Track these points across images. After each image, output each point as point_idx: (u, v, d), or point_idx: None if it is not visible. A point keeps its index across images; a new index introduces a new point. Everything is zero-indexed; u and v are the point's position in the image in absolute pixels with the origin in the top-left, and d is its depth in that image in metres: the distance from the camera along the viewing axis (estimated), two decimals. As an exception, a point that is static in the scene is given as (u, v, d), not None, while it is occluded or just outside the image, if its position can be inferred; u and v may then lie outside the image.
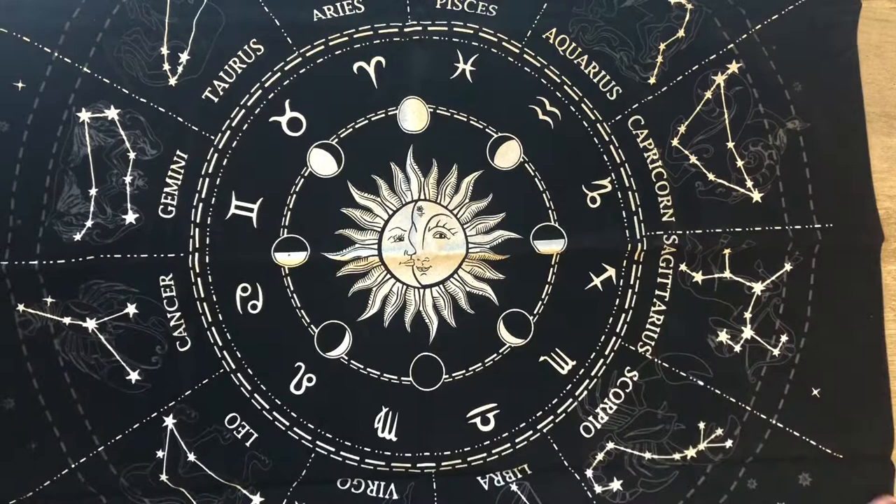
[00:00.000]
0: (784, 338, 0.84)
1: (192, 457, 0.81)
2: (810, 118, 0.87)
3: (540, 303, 0.84)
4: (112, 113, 0.84)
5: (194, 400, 0.81)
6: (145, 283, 0.82)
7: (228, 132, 0.85)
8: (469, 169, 0.86)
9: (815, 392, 0.84)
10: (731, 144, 0.87)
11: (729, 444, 0.83)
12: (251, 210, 0.84)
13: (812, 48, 0.89)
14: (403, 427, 0.83)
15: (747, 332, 0.84)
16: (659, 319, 0.84)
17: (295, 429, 0.82)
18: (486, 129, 0.86)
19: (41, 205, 0.82)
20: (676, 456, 0.83)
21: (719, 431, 0.83)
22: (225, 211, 0.84)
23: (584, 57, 0.88)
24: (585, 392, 0.84)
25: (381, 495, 0.82)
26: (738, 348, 0.84)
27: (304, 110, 0.86)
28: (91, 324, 0.81)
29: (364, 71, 0.87)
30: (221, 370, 0.82)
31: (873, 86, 0.90)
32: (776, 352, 0.84)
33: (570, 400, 0.84)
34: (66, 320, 0.81)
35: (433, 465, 0.82)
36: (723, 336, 0.84)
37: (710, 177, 0.86)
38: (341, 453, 0.82)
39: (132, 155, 0.84)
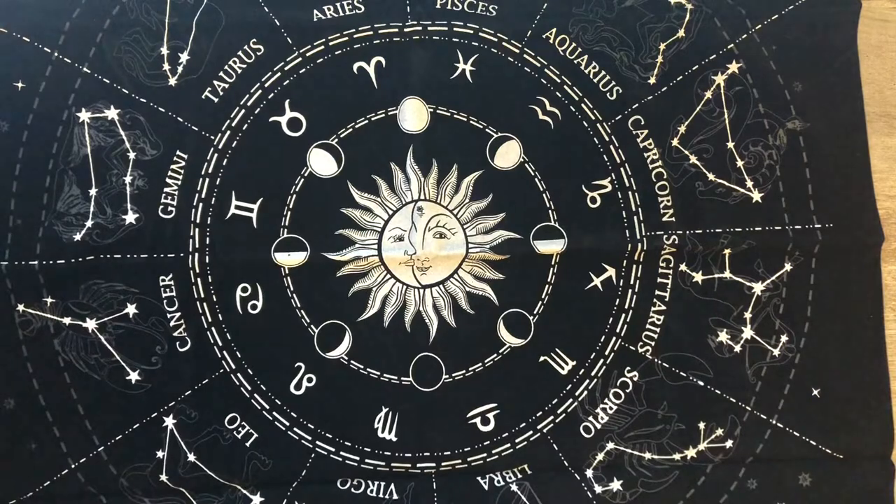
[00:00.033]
0: (784, 338, 0.84)
1: (192, 457, 0.81)
2: (810, 118, 0.87)
3: (540, 303, 0.84)
4: (112, 113, 0.84)
5: (194, 400, 0.81)
6: (145, 283, 0.82)
7: (228, 132, 0.85)
8: (469, 169, 0.86)
9: (815, 392, 0.84)
10: (731, 144, 0.87)
11: (729, 444, 0.83)
12: (251, 210, 0.84)
13: (812, 48, 0.89)
14: (403, 427, 0.83)
15: (747, 332, 0.84)
16: (659, 319, 0.84)
17: (295, 429, 0.82)
18: (486, 129, 0.86)
19: (41, 205, 0.82)
20: (676, 456, 0.83)
21: (719, 431, 0.83)
22: (225, 211, 0.84)
23: (584, 57, 0.88)
24: (585, 392, 0.84)
25: (381, 495, 0.82)
26: (738, 348, 0.84)
27: (304, 110, 0.86)
28: (91, 324, 0.81)
29: (364, 71, 0.87)
30: (221, 370, 0.82)
31: (873, 86, 0.90)
32: (776, 352, 0.84)
33: (570, 400, 0.84)
34: (66, 320, 0.81)
35: (433, 465, 0.82)
36: (723, 336, 0.84)
37: (710, 177, 0.86)
38: (341, 453, 0.82)
39: (132, 155, 0.84)
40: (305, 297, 0.83)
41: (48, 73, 0.84)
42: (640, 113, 0.87)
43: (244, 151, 0.85)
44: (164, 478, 0.80)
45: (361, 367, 0.83)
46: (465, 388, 0.83)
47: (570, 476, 0.83)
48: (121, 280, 0.82)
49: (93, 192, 0.83)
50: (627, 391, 0.84)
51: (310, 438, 0.82)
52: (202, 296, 0.82)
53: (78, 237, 0.82)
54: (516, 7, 0.88)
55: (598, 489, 0.82)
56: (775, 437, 0.83)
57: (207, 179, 0.84)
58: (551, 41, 0.88)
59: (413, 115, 0.86)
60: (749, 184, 0.86)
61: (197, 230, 0.83)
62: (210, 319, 0.82)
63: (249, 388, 0.82)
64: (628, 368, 0.84)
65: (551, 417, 0.83)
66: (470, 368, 0.84)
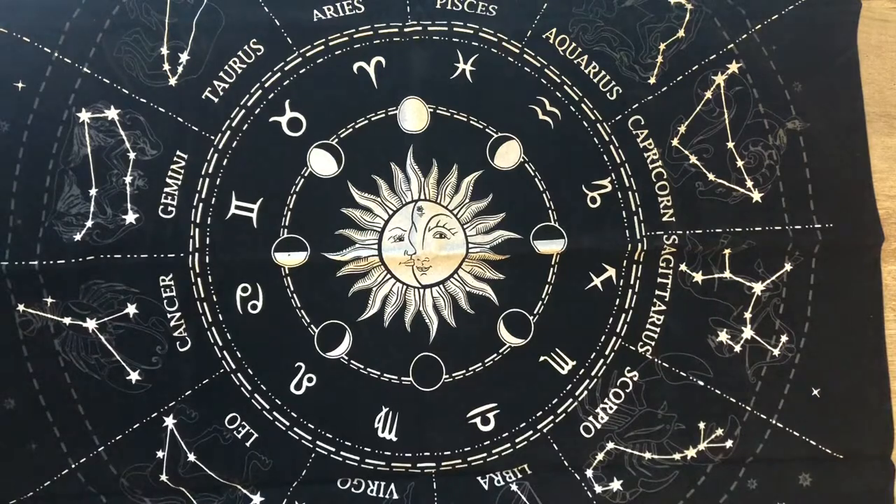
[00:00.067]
0: (784, 338, 0.84)
1: (192, 457, 0.81)
2: (810, 118, 0.87)
3: (540, 303, 0.84)
4: (112, 113, 0.84)
5: (194, 400, 0.81)
6: (145, 283, 0.82)
7: (228, 132, 0.85)
8: (469, 169, 0.86)
9: (815, 392, 0.84)
10: (731, 144, 0.87)
11: (729, 444, 0.83)
12: (251, 210, 0.84)
13: (812, 48, 0.89)
14: (403, 427, 0.83)
15: (747, 332, 0.84)
16: (659, 319, 0.84)
17: (295, 429, 0.82)
18: (486, 129, 0.86)
19: (41, 205, 0.82)
20: (676, 456, 0.83)
21: (719, 431, 0.83)
22: (225, 211, 0.84)
23: (584, 57, 0.88)
24: (585, 392, 0.84)
25: (381, 495, 0.82)
26: (738, 348, 0.84)
27: (304, 110, 0.86)
28: (91, 324, 0.81)
29: (364, 71, 0.87)
30: (221, 370, 0.82)
31: (873, 86, 0.90)
32: (776, 352, 0.84)
33: (571, 400, 0.84)
34: (67, 320, 0.81)
35: (433, 465, 0.82)
36: (723, 336, 0.84)
37: (710, 177, 0.86)
38: (341, 453, 0.82)
39: (132, 155, 0.84)
40: (305, 297, 0.83)
41: (48, 73, 0.84)
42: (640, 113, 0.87)
43: (244, 151, 0.85)
44: (164, 478, 0.80)
45: (361, 367, 0.83)
46: (465, 388, 0.83)
47: (570, 476, 0.83)
48: (121, 280, 0.82)
49: (93, 192, 0.83)
50: (627, 391, 0.84)
51: (310, 438, 0.82)
52: (202, 296, 0.82)
53: (78, 237, 0.82)
54: (516, 7, 0.88)
55: (598, 489, 0.82)
56: (775, 437, 0.83)
57: (207, 179, 0.84)
58: (551, 41, 0.88)
59: (413, 115, 0.86)
60: (749, 184, 0.86)
61: (197, 230, 0.83)
62: (210, 319, 0.82)
63: (249, 388, 0.82)
64: (628, 368, 0.84)
65: (551, 417, 0.83)
66: (470, 368, 0.84)
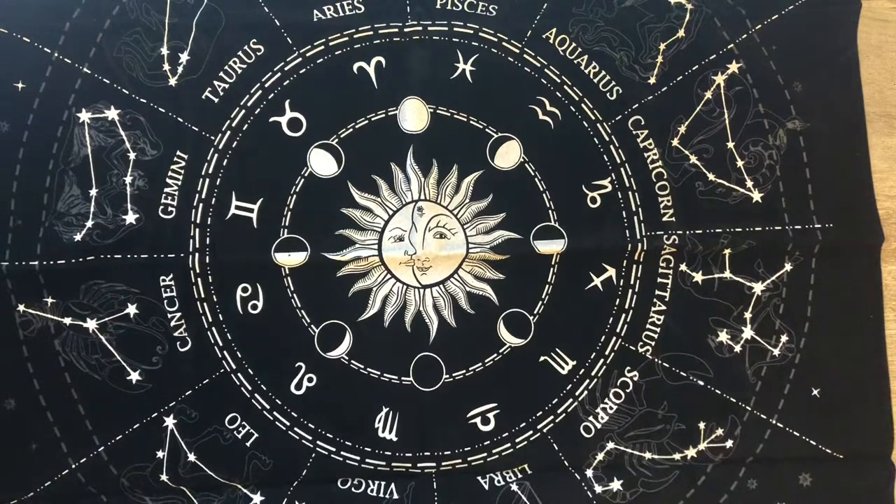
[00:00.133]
0: (784, 338, 0.84)
1: (192, 457, 0.81)
2: (810, 118, 0.87)
3: (540, 303, 0.84)
4: (112, 113, 0.84)
5: (195, 400, 0.81)
6: (146, 283, 0.82)
7: (228, 132, 0.85)
8: (469, 169, 0.86)
9: (815, 392, 0.84)
10: (731, 144, 0.87)
11: (729, 444, 0.83)
12: (251, 210, 0.84)
13: (812, 48, 0.89)
14: (404, 427, 0.83)
15: (747, 332, 0.84)
16: (659, 319, 0.84)
17: (295, 429, 0.82)
18: (486, 129, 0.86)
19: (41, 205, 0.82)
20: (676, 456, 0.83)
21: (719, 431, 0.83)
22: (225, 211, 0.84)
23: (584, 57, 0.88)
24: (586, 392, 0.84)
25: (381, 495, 0.82)
26: (738, 348, 0.84)
27: (304, 110, 0.86)
28: (91, 324, 0.81)
29: (364, 71, 0.87)
30: (222, 370, 0.82)
31: (873, 86, 0.90)
32: (776, 352, 0.84)
33: (571, 400, 0.84)
34: (67, 320, 0.81)
35: (433, 464, 0.82)
36: (723, 336, 0.84)
37: (710, 177, 0.86)
38: (342, 453, 0.82)
39: (132, 155, 0.84)
40: (306, 297, 0.83)
41: (48, 73, 0.84)
42: (640, 113, 0.87)
43: (244, 152, 0.85)
44: (164, 478, 0.80)
45: (362, 367, 0.83)
46: (465, 387, 0.83)
47: (570, 476, 0.83)
48: (121, 280, 0.82)
49: (93, 192, 0.83)
50: (627, 391, 0.84)
51: (310, 438, 0.82)
52: (202, 296, 0.82)
53: (78, 237, 0.82)
54: (516, 7, 0.88)
55: (599, 489, 0.83)
56: (775, 437, 0.83)
57: (208, 180, 0.84)
58: (551, 41, 0.88)
59: (413, 115, 0.86)
60: (749, 184, 0.86)
61: (197, 230, 0.83)
62: (210, 319, 0.82)
63: (250, 387, 0.82)
64: (628, 368, 0.84)
65: (551, 417, 0.83)
66: (470, 368, 0.84)
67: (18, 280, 0.81)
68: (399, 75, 0.87)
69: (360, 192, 0.85)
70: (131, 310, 0.81)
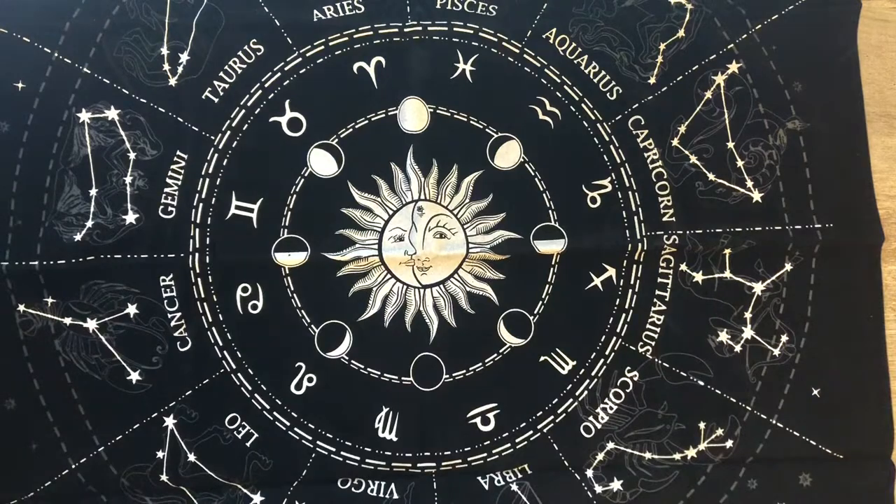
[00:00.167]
0: (784, 338, 0.84)
1: (192, 457, 0.81)
2: (810, 118, 0.87)
3: (540, 303, 0.84)
4: (112, 113, 0.84)
5: (195, 400, 0.81)
6: (146, 283, 0.82)
7: (228, 132, 0.85)
8: (469, 169, 0.86)
9: (815, 392, 0.84)
10: (731, 144, 0.87)
11: (729, 444, 0.83)
12: (251, 210, 0.84)
13: (812, 48, 0.89)
14: (404, 427, 0.83)
15: (747, 332, 0.84)
16: (659, 319, 0.84)
17: (295, 429, 0.82)
18: (486, 129, 0.86)
19: (41, 205, 0.82)
20: (677, 456, 0.83)
21: (719, 431, 0.83)
22: (225, 211, 0.84)
23: (584, 57, 0.88)
24: (586, 392, 0.84)
25: (381, 495, 0.82)
26: (738, 348, 0.84)
27: (304, 110, 0.86)
28: (92, 324, 0.81)
29: (364, 71, 0.87)
30: (222, 370, 0.82)
31: (873, 86, 0.90)
32: (776, 352, 0.84)
33: (571, 400, 0.84)
34: (67, 320, 0.81)
35: (433, 464, 0.82)
36: (723, 336, 0.84)
37: (710, 177, 0.86)
38: (342, 453, 0.82)
39: (132, 155, 0.84)
40: (306, 297, 0.83)
41: (48, 73, 0.84)
42: (640, 113, 0.87)
43: (244, 151, 0.85)
44: (164, 478, 0.80)
45: (362, 367, 0.83)
46: (465, 387, 0.83)
47: (570, 476, 0.83)
48: (121, 280, 0.82)
49: (93, 192, 0.83)
50: (628, 391, 0.84)
51: (310, 438, 0.82)
52: (202, 296, 0.82)
53: (78, 237, 0.82)
54: (516, 7, 0.88)
55: (599, 489, 0.83)
56: (775, 437, 0.83)
57: (208, 179, 0.84)
58: (551, 41, 0.88)
59: (413, 115, 0.86)
60: (749, 184, 0.86)
61: (197, 230, 0.83)
62: (210, 319, 0.82)
63: (250, 388, 0.82)
64: (628, 368, 0.84)
65: (551, 417, 0.83)
66: (470, 368, 0.84)
67: (18, 280, 0.81)
68: (399, 75, 0.87)
69: (360, 192, 0.85)
70: (131, 310, 0.81)
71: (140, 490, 0.80)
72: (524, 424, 0.83)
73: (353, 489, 0.82)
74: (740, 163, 0.86)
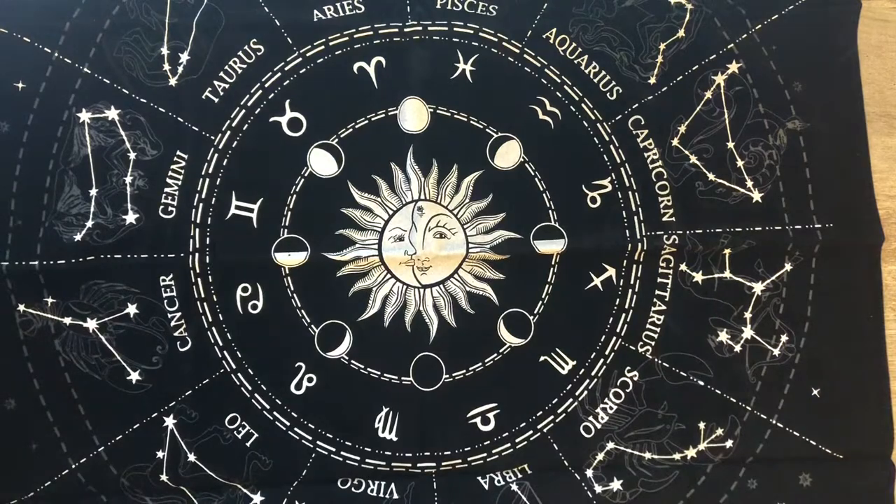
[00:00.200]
0: (784, 338, 0.84)
1: (192, 457, 0.81)
2: (810, 118, 0.87)
3: (540, 303, 0.84)
4: (112, 113, 0.84)
5: (195, 400, 0.81)
6: (146, 283, 0.82)
7: (228, 132, 0.85)
8: (469, 169, 0.86)
9: (815, 392, 0.84)
10: (731, 144, 0.87)
11: (729, 444, 0.83)
12: (251, 210, 0.84)
13: (812, 48, 0.89)
14: (404, 427, 0.83)
15: (747, 332, 0.84)
16: (659, 319, 0.84)
17: (295, 429, 0.82)
18: (486, 129, 0.86)
19: (41, 205, 0.82)
20: (676, 456, 0.83)
21: (719, 431, 0.83)
22: (225, 211, 0.84)
23: (584, 57, 0.88)
24: (586, 392, 0.84)
25: (381, 495, 0.82)
26: (738, 348, 0.84)
27: (305, 110, 0.86)
28: (92, 324, 0.81)
29: (364, 71, 0.87)
30: (222, 370, 0.82)
31: (873, 86, 0.90)
32: (776, 352, 0.84)
33: (571, 400, 0.84)
34: (67, 320, 0.81)
35: (433, 464, 0.82)
36: (723, 336, 0.84)
37: (710, 177, 0.86)
38: (342, 453, 0.82)
39: (132, 155, 0.84)
40: (306, 297, 0.83)
41: (48, 73, 0.84)
42: (640, 113, 0.87)
43: (244, 151, 0.85)
44: (164, 478, 0.80)
45: (362, 366, 0.83)
46: (465, 387, 0.83)
47: (570, 476, 0.83)
48: (121, 280, 0.82)
49: (93, 192, 0.83)
50: (627, 391, 0.84)
51: (310, 438, 0.82)
52: (202, 296, 0.82)
53: (78, 237, 0.82)
54: (516, 7, 0.88)
55: (598, 489, 0.83)
56: (775, 437, 0.83)
57: (208, 179, 0.84)
58: (551, 41, 0.88)
59: (413, 115, 0.86)
60: (749, 184, 0.86)
61: (197, 230, 0.83)
62: (210, 319, 0.82)
63: (250, 388, 0.82)
64: (628, 368, 0.84)
65: (551, 417, 0.83)
66: (470, 368, 0.84)
67: (18, 280, 0.81)
68: (399, 75, 0.87)
69: (360, 191, 0.85)
70: (131, 310, 0.82)
71: (140, 490, 0.80)
72: (524, 424, 0.83)
73: (353, 489, 0.82)
74: (740, 163, 0.86)
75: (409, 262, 0.84)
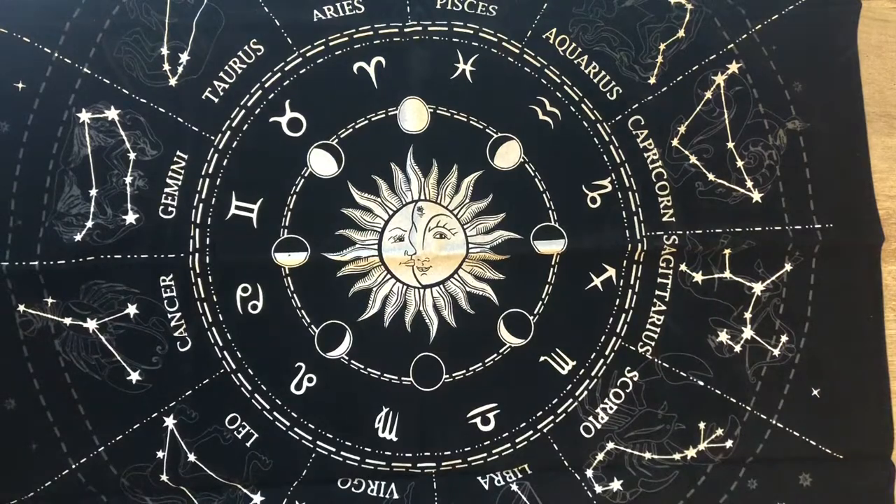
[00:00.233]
0: (784, 338, 0.84)
1: (192, 457, 0.81)
2: (810, 118, 0.87)
3: (540, 303, 0.84)
4: (112, 113, 0.84)
5: (195, 400, 0.81)
6: (146, 283, 0.82)
7: (228, 132, 0.85)
8: (469, 169, 0.86)
9: (815, 392, 0.84)
10: (731, 144, 0.87)
11: (729, 444, 0.83)
12: (251, 210, 0.84)
13: (812, 48, 0.89)
14: (404, 427, 0.83)
15: (747, 332, 0.84)
16: (659, 319, 0.84)
17: (295, 429, 0.82)
18: (486, 129, 0.86)
19: (41, 205, 0.82)
20: (676, 456, 0.83)
21: (719, 431, 0.83)
22: (225, 211, 0.84)
23: (584, 57, 0.88)
24: (586, 392, 0.84)
25: (381, 495, 0.82)
26: (738, 348, 0.84)
27: (304, 110, 0.86)
28: (92, 324, 0.81)
29: (364, 71, 0.87)
30: (222, 370, 0.82)
31: (873, 86, 0.90)
32: (776, 352, 0.84)
33: (571, 400, 0.84)
34: (67, 321, 0.81)
35: (433, 464, 0.82)
36: (723, 336, 0.84)
37: (710, 177, 0.86)
38: (342, 453, 0.82)
39: (132, 155, 0.84)
40: (306, 297, 0.83)
41: (48, 73, 0.84)
42: (640, 113, 0.87)
43: (244, 152, 0.85)
44: (164, 478, 0.80)
45: (362, 367, 0.83)
46: (465, 388, 0.83)
47: (570, 476, 0.83)
48: (121, 280, 0.82)
49: (93, 192, 0.83)
50: (627, 391, 0.84)
51: (310, 438, 0.82)
52: (202, 296, 0.82)
53: (78, 237, 0.82)
54: (516, 7, 0.88)
55: (599, 489, 0.83)
56: (775, 437, 0.83)
57: (208, 180, 0.84)
58: (551, 41, 0.88)
59: (413, 115, 0.86)
60: (749, 184, 0.86)
61: (197, 230, 0.83)
62: (210, 319, 0.82)
63: (250, 388, 0.82)
64: (628, 368, 0.84)
65: (551, 417, 0.83)
66: (470, 368, 0.84)
67: (18, 280, 0.81)
68: (399, 75, 0.87)
69: (360, 192, 0.85)
70: (131, 310, 0.82)
71: (140, 490, 0.80)
72: (524, 424, 0.83)
73: (353, 489, 0.82)
74: (740, 163, 0.86)
75: (409, 263, 0.84)
